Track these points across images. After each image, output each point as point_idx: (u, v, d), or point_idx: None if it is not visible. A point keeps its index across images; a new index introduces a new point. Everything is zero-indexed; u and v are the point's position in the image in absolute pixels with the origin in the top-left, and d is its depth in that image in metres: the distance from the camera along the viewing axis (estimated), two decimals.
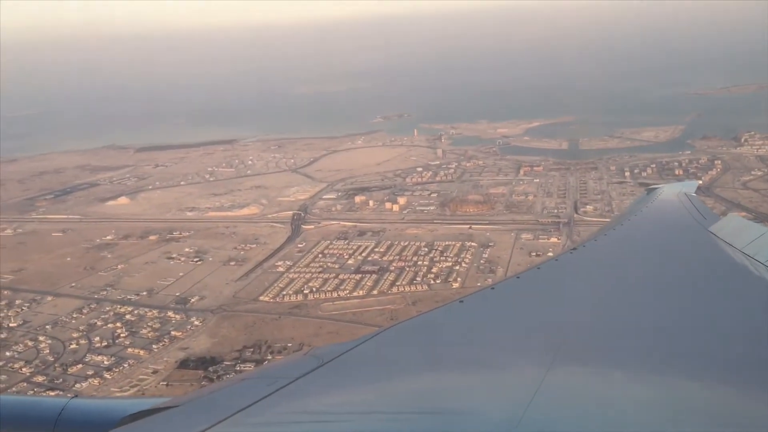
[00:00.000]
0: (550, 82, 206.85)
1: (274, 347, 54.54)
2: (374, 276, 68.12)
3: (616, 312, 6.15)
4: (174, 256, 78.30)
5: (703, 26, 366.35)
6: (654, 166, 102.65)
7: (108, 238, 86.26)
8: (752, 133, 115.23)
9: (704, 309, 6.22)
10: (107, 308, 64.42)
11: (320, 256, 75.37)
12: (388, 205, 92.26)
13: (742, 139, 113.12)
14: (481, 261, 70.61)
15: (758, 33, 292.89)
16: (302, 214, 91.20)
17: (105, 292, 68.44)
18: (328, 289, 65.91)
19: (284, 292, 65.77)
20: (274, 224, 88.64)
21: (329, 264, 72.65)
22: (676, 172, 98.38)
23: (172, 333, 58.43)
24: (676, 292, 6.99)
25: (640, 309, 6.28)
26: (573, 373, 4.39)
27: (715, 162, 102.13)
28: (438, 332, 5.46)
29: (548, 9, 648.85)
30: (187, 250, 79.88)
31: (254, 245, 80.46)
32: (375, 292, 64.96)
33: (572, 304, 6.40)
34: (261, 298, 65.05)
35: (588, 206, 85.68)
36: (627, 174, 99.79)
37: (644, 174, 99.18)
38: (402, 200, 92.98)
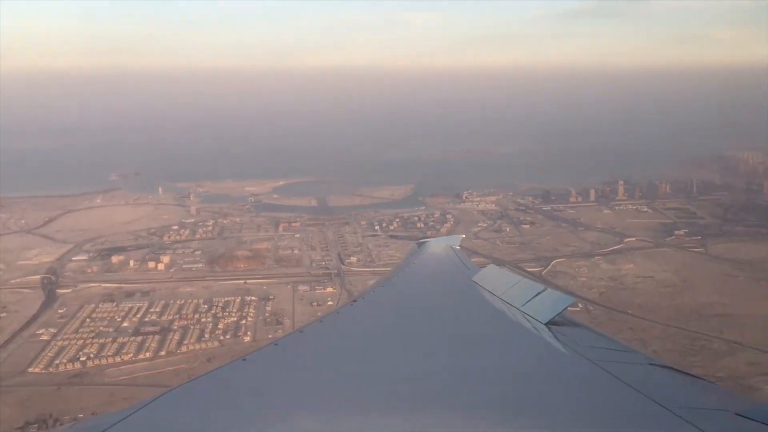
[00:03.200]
0: (287, 144, 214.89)
1: (62, 420, 49.20)
2: (157, 337, 64.97)
3: (394, 362, 6.31)
4: None
5: (421, 97, 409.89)
6: (398, 220, 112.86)
7: None
8: (471, 191, 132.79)
9: (472, 353, 6.68)
10: None
11: (88, 320, 69.48)
12: (151, 264, 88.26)
13: (464, 197, 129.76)
14: (266, 314, 71.44)
15: (465, 105, 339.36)
16: (53, 278, 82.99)
17: None
18: (109, 354, 61.17)
19: (57, 362, 59.47)
20: (21, 290, 79.19)
21: (102, 328, 67.34)
22: (418, 225, 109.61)
23: None
24: (448, 339, 7.39)
25: (416, 358, 6.51)
26: (356, 426, 4.44)
27: (447, 216, 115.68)
28: (220, 393, 5.23)
29: (285, 73, 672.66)
30: None
31: (3, 314, 71.21)
32: (163, 353, 62.00)
33: (354, 356, 6.57)
34: (30, 369, 58.01)
35: (352, 257, 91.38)
36: (377, 228, 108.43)
37: (392, 227, 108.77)
38: (166, 259, 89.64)
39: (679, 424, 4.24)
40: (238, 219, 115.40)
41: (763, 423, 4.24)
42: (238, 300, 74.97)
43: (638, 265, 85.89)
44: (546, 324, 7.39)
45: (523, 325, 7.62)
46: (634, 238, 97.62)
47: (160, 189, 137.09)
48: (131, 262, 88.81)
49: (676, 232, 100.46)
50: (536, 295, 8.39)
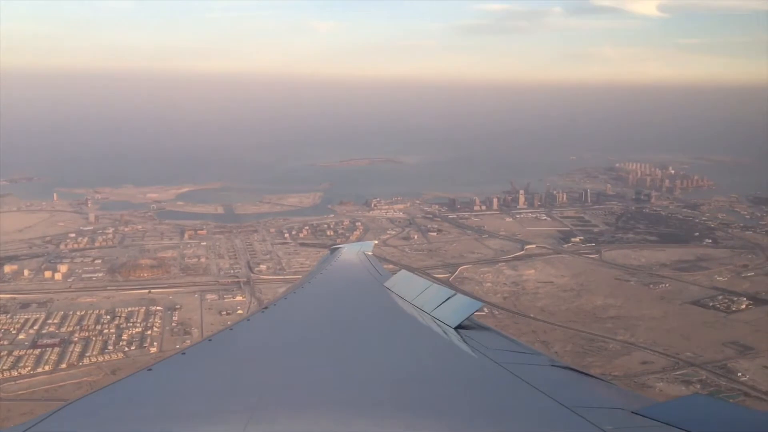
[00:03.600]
0: (189, 150, 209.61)
1: None
2: (57, 349, 62.05)
3: (306, 367, 6.34)
4: None
5: (323, 104, 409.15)
6: (308, 228, 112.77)
7: None
8: (378, 199, 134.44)
9: (383, 357, 6.87)
10: None
11: None
12: (47, 273, 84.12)
13: (372, 204, 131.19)
14: (173, 324, 69.60)
15: (365, 114, 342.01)
16: None
17: None
18: (4, 368, 57.97)
19: None
20: None
21: None
22: (328, 233, 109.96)
23: None
24: (361, 343, 7.63)
25: (328, 363, 6.54)
26: None
27: (357, 224, 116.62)
28: (124, 404, 5.08)
29: (186, 78, 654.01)
30: None
31: None
32: (64, 365, 59.28)
33: (266, 362, 6.52)
34: None
35: (261, 265, 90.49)
36: (287, 235, 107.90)
37: (301, 235, 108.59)
38: (63, 268, 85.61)
39: (579, 422, 4.46)
40: (140, 226, 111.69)
41: (656, 420, 4.47)
42: (142, 310, 72.66)
43: (539, 270, 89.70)
44: (455, 328, 7.65)
45: (433, 329, 7.84)
46: (534, 245, 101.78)
47: (54, 195, 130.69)
48: (26, 272, 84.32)
49: (572, 239, 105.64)
50: (446, 300, 8.70)
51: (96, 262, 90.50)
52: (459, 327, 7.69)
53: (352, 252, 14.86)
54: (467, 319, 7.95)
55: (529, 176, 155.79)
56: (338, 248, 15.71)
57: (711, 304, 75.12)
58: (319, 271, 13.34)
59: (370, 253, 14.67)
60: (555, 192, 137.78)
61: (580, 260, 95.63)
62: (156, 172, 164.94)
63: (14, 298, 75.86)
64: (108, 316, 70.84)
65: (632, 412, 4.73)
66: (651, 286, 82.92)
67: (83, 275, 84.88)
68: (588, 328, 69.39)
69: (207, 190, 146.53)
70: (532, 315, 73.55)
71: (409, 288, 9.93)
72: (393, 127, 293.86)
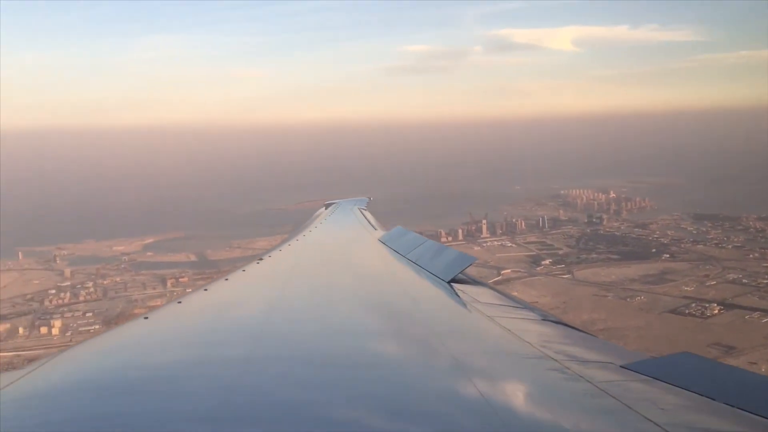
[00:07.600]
0: (140, 202, 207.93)
1: None
2: None
3: (300, 318, 6.33)
4: None
5: (263, 150, 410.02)
6: None
7: None
8: None
9: (376, 310, 6.78)
10: None
11: None
12: (43, 329, 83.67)
13: None
14: None
15: (306, 157, 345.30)
16: None
17: None
18: None
19: None
20: None
21: None
22: None
23: None
24: (356, 295, 7.58)
25: (322, 314, 6.55)
26: (261, 378, 4.30)
27: None
28: (122, 350, 5.25)
29: (104, 131, 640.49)
30: None
31: None
32: None
33: (259, 313, 6.39)
34: None
35: None
36: None
37: None
38: (57, 323, 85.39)
39: (568, 375, 4.47)
40: (118, 278, 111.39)
41: (644, 375, 4.51)
42: None
43: (521, 292, 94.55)
44: (449, 282, 7.78)
45: (427, 282, 8.02)
46: (509, 270, 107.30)
47: (20, 254, 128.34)
48: (20, 330, 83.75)
49: (542, 262, 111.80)
50: (440, 254, 9.01)
51: (87, 315, 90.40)
52: (453, 281, 7.84)
53: (347, 207, 15.31)
54: (461, 273, 8.18)
55: (483, 207, 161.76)
56: (333, 203, 16.38)
57: (686, 311, 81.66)
58: (315, 224, 13.52)
59: (365, 209, 15.24)
60: (514, 220, 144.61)
61: (556, 281, 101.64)
62: (113, 225, 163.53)
63: (18, 355, 75.20)
64: None
65: (621, 366, 4.79)
66: (627, 299, 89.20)
67: (80, 329, 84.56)
68: None
69: (172, 240, 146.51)
70: None
71: (404, 243, 10.18)
72: (337, 168, 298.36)
